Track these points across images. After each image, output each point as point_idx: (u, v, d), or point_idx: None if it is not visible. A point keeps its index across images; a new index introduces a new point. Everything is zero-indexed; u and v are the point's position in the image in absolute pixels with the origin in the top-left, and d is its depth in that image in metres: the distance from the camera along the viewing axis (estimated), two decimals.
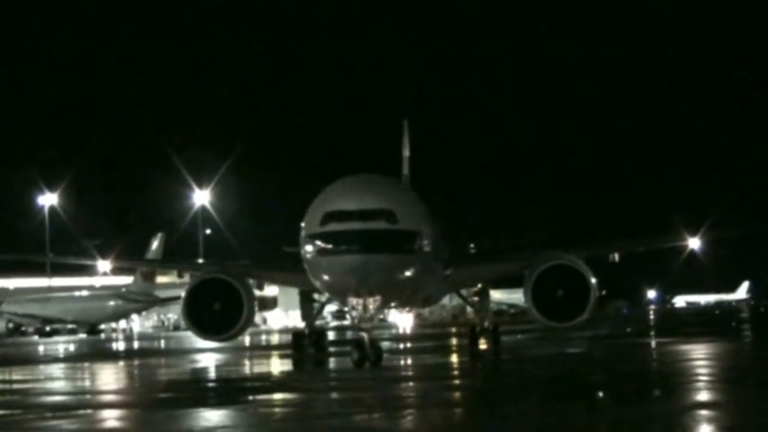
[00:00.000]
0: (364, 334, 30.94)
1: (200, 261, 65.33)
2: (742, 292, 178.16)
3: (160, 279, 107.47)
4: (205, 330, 37.17)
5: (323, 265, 30.94)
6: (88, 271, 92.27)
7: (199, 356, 45.64)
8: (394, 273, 31.12)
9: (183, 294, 37.92)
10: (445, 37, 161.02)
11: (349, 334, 79.18)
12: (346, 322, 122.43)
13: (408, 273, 31.68)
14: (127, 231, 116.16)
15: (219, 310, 36.18)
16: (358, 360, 30.66)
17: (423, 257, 31.67)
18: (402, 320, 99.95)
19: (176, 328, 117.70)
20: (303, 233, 31.83)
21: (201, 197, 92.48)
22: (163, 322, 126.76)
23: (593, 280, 35.19)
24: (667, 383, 24.13)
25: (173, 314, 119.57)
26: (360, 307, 30.85)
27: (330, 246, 30.10)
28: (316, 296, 43.01)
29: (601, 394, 22.33)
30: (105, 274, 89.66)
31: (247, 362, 40.89)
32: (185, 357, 46.04)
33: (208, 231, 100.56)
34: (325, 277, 31.62)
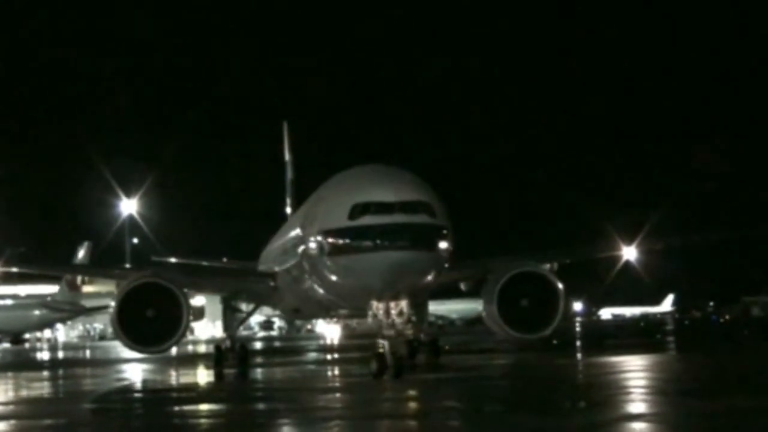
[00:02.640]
0: (385, 342, 28.02)
1: (127, 266, 64.16)
2: (666, 304, 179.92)
3: (86, 288, 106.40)
4: (139, 341, 33.39)
5: (351, 265, 27.02)
6: (13, 280, 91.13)
7: (125, 366, 45.17)
8: (430, 272, 27.57)
9: (113, 302, 33.88)
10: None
11: (277, 344, 78.92)
12: (274, 333, 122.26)
13: (437, 272, 28.02)
14: (53, 239, 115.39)
15: (156, 319, 32.87)
16: (376, 371, 28.13)
17: (449, 256, 27.86)
18: (329, 331, 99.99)
19: (102, 337, 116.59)
20: (313, 230, 28.48)
21: (128, 206, 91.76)
22: (88, 332, 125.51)
23: (562, 289, 33.34)
24: (595, 395, 24.19)
25: (99, 324, 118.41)
26: (381, 312, 27.71)
27: (366, 242, 26.31)
28: (242, 306, 41.97)
29: (539, 405, 22.43)
30: None
31: (173, 373, 40.37)
32: (111, 367, 45.48)
33: (135, 240, 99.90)
34: (349, 279, 27.81)
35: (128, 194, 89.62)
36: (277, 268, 36.59)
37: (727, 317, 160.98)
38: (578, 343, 59.81)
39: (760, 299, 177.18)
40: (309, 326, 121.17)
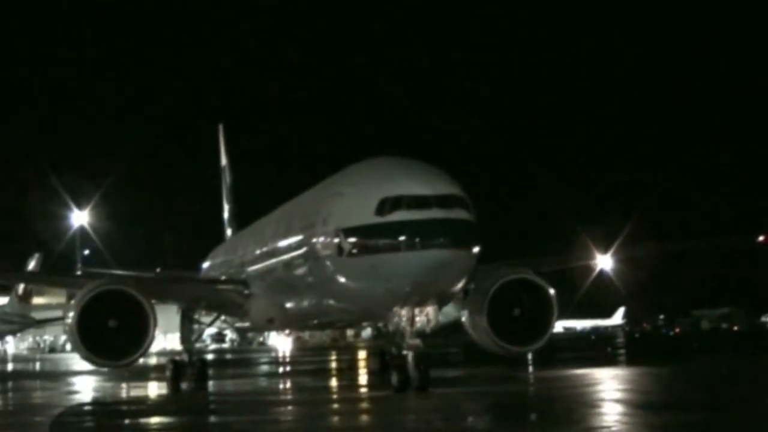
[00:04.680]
0: (409, 353, 25.68)
1: (78, 273, 62.90)
2: (617, 317, 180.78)
3: (37, 300, 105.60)
4: (100, 353, 30.25)
5: (380, 266, 24.60)
6: None
7: (75, 379, 44.79)
8: (465, 274, 25.53)
9: (71, 311, 30.59)
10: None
11: (229, 357, 78.57)
12: (226, 345, 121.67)
13: (470, 274, 26.09)
14: (3, 251, 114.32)
15: (119, 330, 29.97)
16: (399, 384, 25.92)
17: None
18: (281, 343, 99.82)
19: (52, 350, 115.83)
20: (327, 228, 26.22)
21: (80, 217, 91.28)
22: (38, 344, 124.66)
23: (554, 297, 30.59)
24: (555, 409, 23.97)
25: (49, 336, 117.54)
26: (405, 320, 25.26)
27: (400, 241, 24.07)
28: (198, 317, 40.11)
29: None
30: None
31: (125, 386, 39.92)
32: (62, 380, 45.06)
33: (86, 251, 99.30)
34: (375, 282, 25.24)
35: (80, 205, 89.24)
36: (250, 274, 34.83)
37: (677, 330, 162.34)
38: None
39: (709, 313, 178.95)
40: (261, 339, 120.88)
